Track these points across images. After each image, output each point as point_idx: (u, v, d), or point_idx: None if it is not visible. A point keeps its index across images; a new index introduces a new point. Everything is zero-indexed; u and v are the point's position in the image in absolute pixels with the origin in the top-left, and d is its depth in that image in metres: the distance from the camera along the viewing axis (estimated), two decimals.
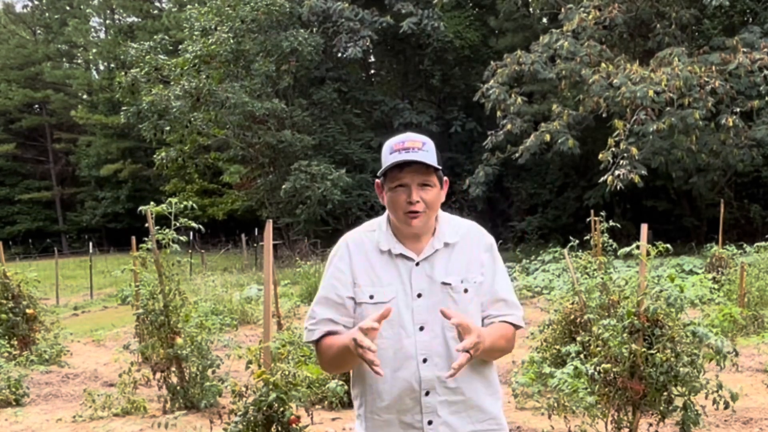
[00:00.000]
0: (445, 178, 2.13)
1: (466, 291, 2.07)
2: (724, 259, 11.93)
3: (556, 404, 4.98)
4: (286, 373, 4.06)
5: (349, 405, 6.08)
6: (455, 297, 2.05)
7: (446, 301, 2.04)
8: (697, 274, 13.14)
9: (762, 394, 6.02)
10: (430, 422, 2.04)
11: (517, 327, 2.16)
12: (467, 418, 2.08)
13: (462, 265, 2.09)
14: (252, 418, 3.95)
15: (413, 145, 2.02)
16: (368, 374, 2.06)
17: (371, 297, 2.05)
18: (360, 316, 2.06)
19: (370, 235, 2.12)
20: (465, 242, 2.12)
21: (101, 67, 51.32)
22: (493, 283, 2.13)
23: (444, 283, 2.05)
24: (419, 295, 2.04)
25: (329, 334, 2.10)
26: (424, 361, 2.03)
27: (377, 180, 2.11)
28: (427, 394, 2.03)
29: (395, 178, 2.02)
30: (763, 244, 12.60)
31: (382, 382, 2.04)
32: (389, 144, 2.06)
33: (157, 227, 6.14)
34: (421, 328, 2.03)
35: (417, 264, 2.06)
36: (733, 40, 18.11)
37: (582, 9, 19.11)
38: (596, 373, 4.32)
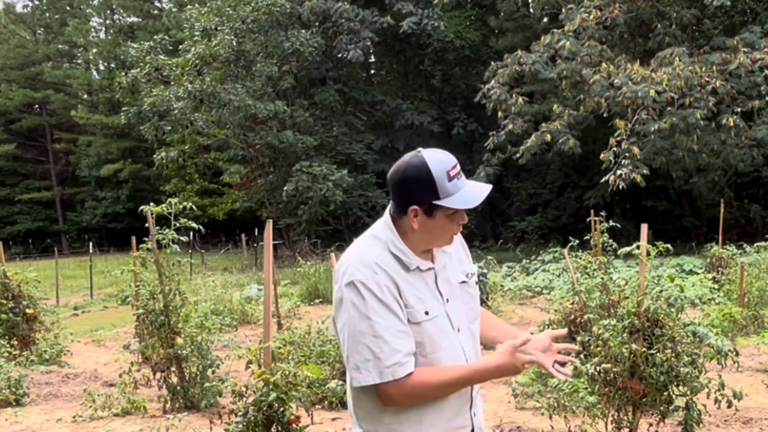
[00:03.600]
0: None
1: (476, 283, 2.21)
2: (724, 259, 11.93)
3: (556, 404, 4.98)
4: (286, 373, 4.06)
5: None
6: (471, 292, 2.18)
7: (466, 298, 2.15)
8: (697, 274, 13.15)
9: (762, 394, 6.02)
10: (474, 414, 2.15)
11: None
12: (482, 396, 2.23)
13: (458, 261, 2.19)
14: (252, 418, 3.95)
15: (459, 169, 2.03)
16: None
17: (427, 313, 2.03)
18: (421, 334, 2.02)
19: (389, 255, 2.04)
20: None
21: (101, 67, 51.33)
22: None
23: (461, 282, 2.15)
24: (447, 300, 2.11)
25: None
26: (467, 359, 2.11)
27: (416, 207, 2.00)
28: (472, 389, 2.15)
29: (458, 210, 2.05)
30: (763, 244, 12.59)
31: (442, 397, 2.06)
32: (440, 167, 1.99)
33: (158, 227, 6.15)
34: (459, 330, 2.11)
35: (436, 272, 2.13)
36: (733, 40, 18.12)
37: (583, 9, 19.11)
38: (596, 373, 4.32)
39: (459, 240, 2.23)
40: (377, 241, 2.06)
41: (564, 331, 2.09)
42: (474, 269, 2.23)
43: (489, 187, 2.07)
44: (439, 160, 2.00)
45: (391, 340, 1.96)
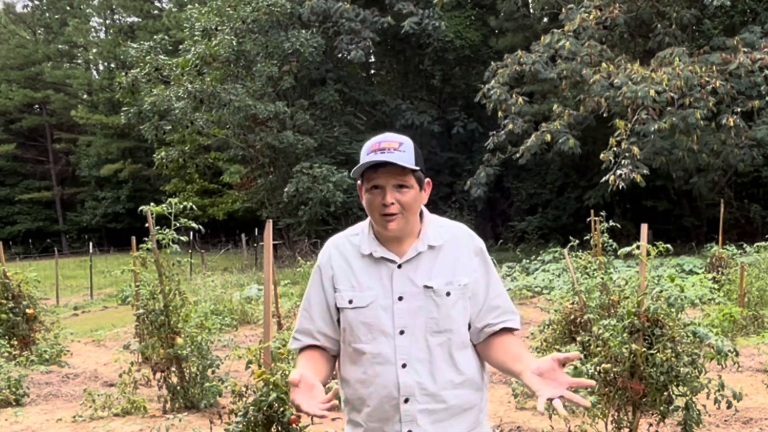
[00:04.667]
0: (427, 179, 2.06)
1: (448, 294, 1.99)
2: (724, 259, 11.93)
3: None
4: (287, 373, 4.06)
5: None
6: (437, 301, 1.99)
7: (428, 305, 1.98)
8: (697, 274, 13.15)
9: (762, 394, 6.02)
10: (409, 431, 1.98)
11: (515, 329, 2.12)
12: (449, 428, 2.00)
13: (448, 268, 2.02)
14: (252, 418, 3.95)
15: (389, 146, 1.97)
16: (352, 380, 2.04)
17: (350, 302, 2.02)
18: (344, 321, 2.03)
19: (353, 239, 2.10)
20: (451, 245, 2.06)
21: (101, 67, 51.33)
22: (488, 290, 2.07)
23: (426, 287, 1.99)
24: (400, 299, 1.99)
25: (311, 347, 2.09)
26: (404, 366, 1.97)
27: (358, 182, 2.06)
28: (406, 401, 1.96)
29: (370, 179, 1.98)
30: (763, 244, 12.60)
31: (364, 388, 2.00)
32: (367, 145, 2.02)
33: (158, 227, 6.14)
34: (402, 332, 1.97)
35: (399, 267, 2.02)
36: (733, 40, 18.12)
37: (583, 9, 19.11)
38: (596, 373, 4.32)
39: (475, 249, 2.08)
40: (356, 227, 2.16)
41: (577, 354, 1.85)
42: (465, 282, 2.01)
43: (393, 157, 1.94)
44: (373, 139, 2.04)
45: (299, 313, 2.13)
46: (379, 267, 2.03)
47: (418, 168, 1.98)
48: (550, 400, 1.75)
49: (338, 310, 2.05)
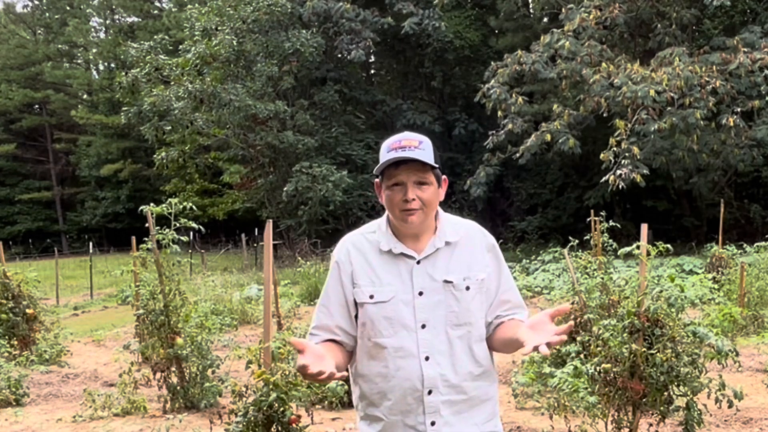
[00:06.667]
0: (444, 176, 2.13)
1: (467, 288, 2.06)
2: (724, 259, 11.91)
3: (556, 404, 4.98)
4: (286, 373, 4.06)
5: (350, 405, 6.07)
6: (457, 295, 2.06)
7: (448, 299, 2.05)
8: (697, 274, 13.14)
9: (762, 394, 6.02)
10: (433, 423, 2.03)
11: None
12: (470, 419, 2.07)
13: (464, 263, 2.09)
14: (252, 418, 3.95)
15: (410, 144, 2.03)
16: (372, 374, 2.08)
17: (371, 297, 2.06)
18: (364, 316, 2.07)
19: (370, 236, 2.13)
20: (466, 241, 2.13)
21: (101, 67, 51.34)
22: (499, 284, 2.15)
23: (446, 281, 2.06)
24: (420, 293, 2.04)
25: (329, 341, 2.11)
26: (426, 359, 2.02)
27: (376, 180, 2.12)
28: (429, 393, 2.03)
29: (391, 176, 2.03)
30: (763, 244, 12.58)
31: (386, 382, 2.05)
32: (386, 143, 2.07)
33: (158, 227, 6.14)
34: (423, 326, 2.03)
35: (418, 262, 2.07)
36: (733, 40, 18.11)
37: (583, 9, 19.11)
38: (596, 373, 4.32)
39: (487, 245, 2.14)
40: (371, 224, 2.18)
41: (567, 306, 1.98)
42: (482, 277, 2.09)
43: (415, 154, 2.00)
44: (392, 137, 2.08)
45: (317, 309, 2.16)
46: (397, 263, 2.08)
47: (437, 166, 2.06)
48: (536, 347, 1.82)
49: (356, 305, 2.09)
